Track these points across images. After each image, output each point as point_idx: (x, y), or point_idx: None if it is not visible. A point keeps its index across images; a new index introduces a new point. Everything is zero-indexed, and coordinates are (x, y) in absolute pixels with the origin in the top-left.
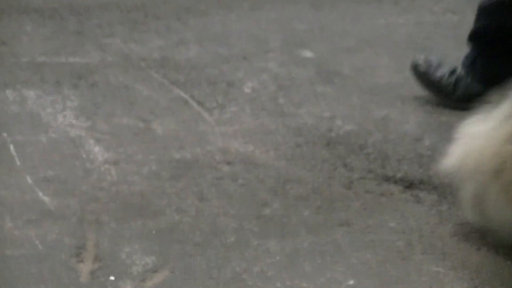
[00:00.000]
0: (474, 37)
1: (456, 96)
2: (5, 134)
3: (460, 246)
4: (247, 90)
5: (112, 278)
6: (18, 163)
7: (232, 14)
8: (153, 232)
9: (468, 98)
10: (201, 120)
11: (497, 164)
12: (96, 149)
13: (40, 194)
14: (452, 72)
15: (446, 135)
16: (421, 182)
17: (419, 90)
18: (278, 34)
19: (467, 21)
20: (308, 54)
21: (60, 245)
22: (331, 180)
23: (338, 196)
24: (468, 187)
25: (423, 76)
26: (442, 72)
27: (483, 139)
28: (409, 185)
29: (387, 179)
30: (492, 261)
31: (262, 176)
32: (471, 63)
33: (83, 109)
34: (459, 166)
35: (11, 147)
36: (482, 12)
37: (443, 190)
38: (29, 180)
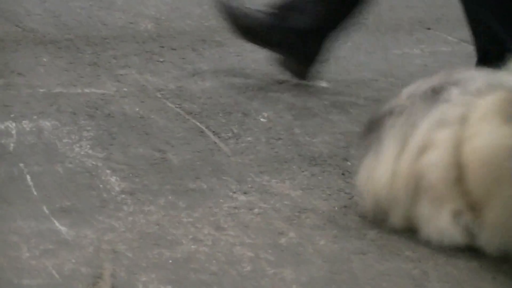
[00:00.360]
0: None
1: None
2: (22, 165)
3: (476, 274)
4: (262, 120)
5: None
6: (34, 193)
7: (247, 45)
8: (170, 261)
9: None
10: (217, 150)
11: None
12: (113, 179)
13: (57, 224)
14: None
15: None
16: None
17: None
18: None
19: None
20: (323, 84)
21: (77, 274)
22: (347, 209)
23: (353, 225)
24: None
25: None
26: None
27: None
28: None
29: None
30: None
31: (278, 206)
32: None
33: (99, 139)
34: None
35: (28, 177)
36: None
37: None
38: (46, 210)
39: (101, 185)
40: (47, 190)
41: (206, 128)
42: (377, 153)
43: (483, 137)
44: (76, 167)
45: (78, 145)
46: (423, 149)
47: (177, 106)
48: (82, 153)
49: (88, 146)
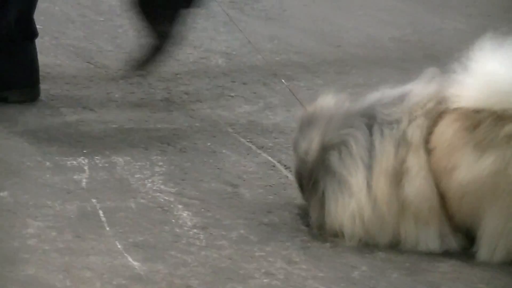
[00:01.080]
0: None
1: None
2: (94, 200)
3: None
4: None
5: None
6: (107, 228)
7: (319, 79)
8: None
9: None
10: (289, 184)
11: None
12: (185, 214)
13: (130, 259)
14: None
15: None
16: None
17: None
18: None
19: None
20: None
21: None
22: None
23: (426, 258)
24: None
25: None
26: None
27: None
28: None
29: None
30: None
31: None
32: None
33: (171, 174)
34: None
35: (100, 212)
36: None
37: None
38: (119, 245)
39: (173, 220)
40: (119, 226)
41: (277, 162)
42: (340, 187)
43: (464, 170)
44: (149, 203)
45: (150, 180)
46: (399, 176)
47: (248, 140)
48: (155, 188)
49: (160, 181)
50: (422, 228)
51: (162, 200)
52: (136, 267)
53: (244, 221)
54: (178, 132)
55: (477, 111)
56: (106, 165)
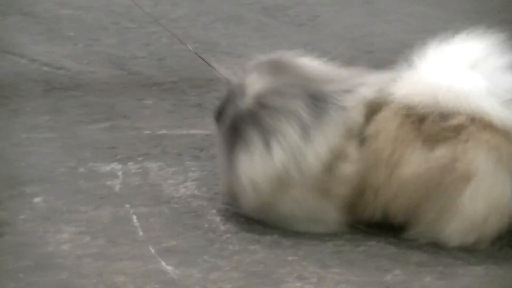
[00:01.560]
0: None
1: None
2: (127, 206)
3: None
4: None
5: None
6: (140, 233)
7: None
8: None
9: None
10: None
11: None
12: (218, 219)
13: (163, 263)
14: None
15: None
16: None
17: None
18: None
19: None
20: None
21: None
22: None
23: (459, 262)
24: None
25: None
26: None
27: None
28: None
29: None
30: None
31: (383, 243)
32: None
33: (204, 179)
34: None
35: (134, 218)
36: None
37: None
38: (152, 250)
39: (206, 225)
40: (153, 231)
41: None
42: (267, 147)
43: (411, 165)
44: (182, 208)
45: (183, 185)
46: (331, 158)
47: None
48: (188, 193)
49: (194, 186)
50: (331, 210)
51: (195, 205)
52: (170, 272)
53: (277, 225)
54: (210, 138)
55: (418, 106)
56: (139, 170)
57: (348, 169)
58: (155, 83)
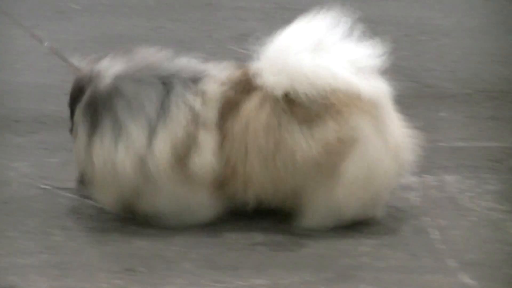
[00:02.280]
0: None
1: None
2: (427, 218)
3: None
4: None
5: None
6: (440, 246)
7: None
8: None
9: None
10: None
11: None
12: None
13: (464, 277)
14: None
15: None
16: None
17: None
18: None
19: None
20: None
21: None
22: None
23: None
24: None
25: None
26: None
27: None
28: None
29: None
30: None
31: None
32: None
33: (503, 192)
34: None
35: (433, 231)
36: None
37: None
38: (452, 263)
39: (506, 238)
40: (453, 243)
41: None
42: (121, 135)
43: (294, 148)
44: (481, 220)
45: (481, 198)
46: (186, 145)
47: None
48: (486, 206)
49: (492, 199)
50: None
51: (494, 218)
52: (471, 286)
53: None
54: (509, 150)
55: (280, 91)
56: (437, 183)
57: (206, 159)
58: (449, 95)
